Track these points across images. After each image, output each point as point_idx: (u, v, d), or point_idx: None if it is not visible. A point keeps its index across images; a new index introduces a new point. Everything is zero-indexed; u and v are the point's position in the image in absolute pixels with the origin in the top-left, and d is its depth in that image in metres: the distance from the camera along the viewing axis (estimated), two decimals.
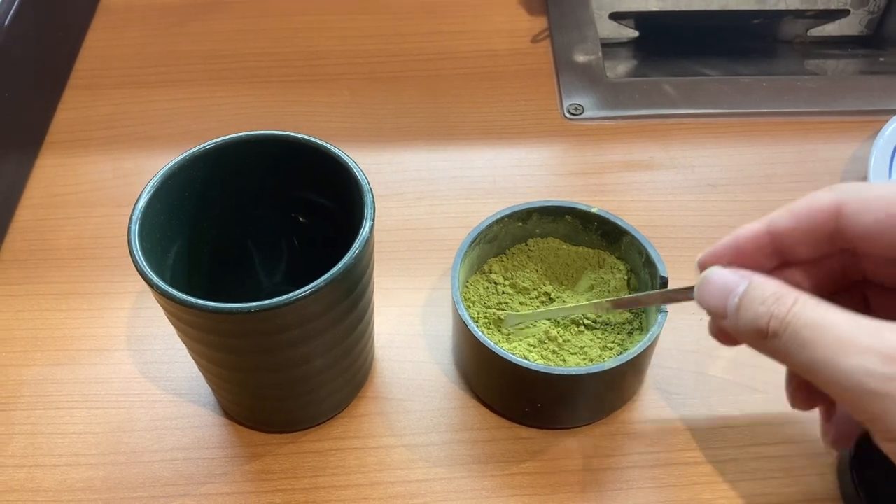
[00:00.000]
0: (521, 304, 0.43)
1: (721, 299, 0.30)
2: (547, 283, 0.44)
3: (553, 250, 0.45)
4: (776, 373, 0.43)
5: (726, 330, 0.31)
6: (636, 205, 0.51)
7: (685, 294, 0.34)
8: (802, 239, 0.31)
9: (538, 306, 0.43)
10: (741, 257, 0.32)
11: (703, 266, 0.32)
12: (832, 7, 0.67)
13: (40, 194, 0.52)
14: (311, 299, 0.32)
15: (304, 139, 0.38)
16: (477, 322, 0.42)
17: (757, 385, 0.43)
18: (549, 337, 0.41)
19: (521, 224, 0.44)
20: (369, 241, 0.34)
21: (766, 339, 0.28)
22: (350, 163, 0.37)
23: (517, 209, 0.43)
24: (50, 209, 0.52)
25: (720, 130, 0.56)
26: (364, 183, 0.36)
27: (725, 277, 0.30)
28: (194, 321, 0.33)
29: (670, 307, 0.39)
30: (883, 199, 0.29)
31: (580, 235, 0.45)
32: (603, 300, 0.39)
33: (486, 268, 0.44)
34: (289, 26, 0.64)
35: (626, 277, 0.43)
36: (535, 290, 0.44)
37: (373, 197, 0.35)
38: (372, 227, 0.34)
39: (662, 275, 0.40)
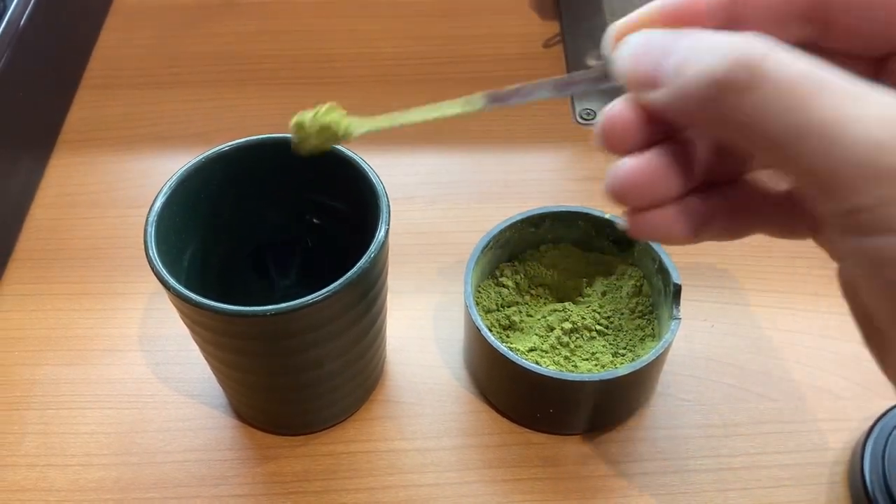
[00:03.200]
0: (531, 310, 0.43)
1: (651, 61, 0.22)
2: (559, 288, 0.44)
3: (565, 256, 0.45)
4: (787, 381, 0.43)
5: (652, 107, 0.23)
6: None
7: (590, 74, 0.25)
8: (769, 3, 0.23)
9: (549, 312, 0.43)
10: (675, 23, 0.23)
11: (617, 35, 0.24)
12: None
13: (54, 194, 0.53)
14: (326, 303, 0.32)
15: None
16: (490, 328, 0.42)
17: (767, 392, 0.43)
18: (560, 343, 0.41)
19: (533, 229, 0.44)
20: (384, 246, 0.35)
21: (725, 96, 0.20)
22: (365, 167, 0.37)
23: (530, 214, 0.43)
24: (63, 209, 0.52)
25: None
26: (379, 187, 0.36)
27: (655, 36, 0.22)
28: (209, 323, 0.33)
29: (683, 314, 0.39)
30: None
31: (593, 241, 0.45)
32: (477, 94, 0.29)
33: (497, 273, 0.44)
34: (301, 28, 0.64)
35: (638, 284, 0.43)
36: (546, 296, 0.44)
37: (388, 201, 0.36)
38: (387, 231, 0.35)
39: (676, 281, 0.40)
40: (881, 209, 0.19)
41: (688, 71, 0.21)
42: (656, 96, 0.22)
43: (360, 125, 0.33)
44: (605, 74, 0.24)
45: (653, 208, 0.24)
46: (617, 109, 0.23)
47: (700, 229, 0.25)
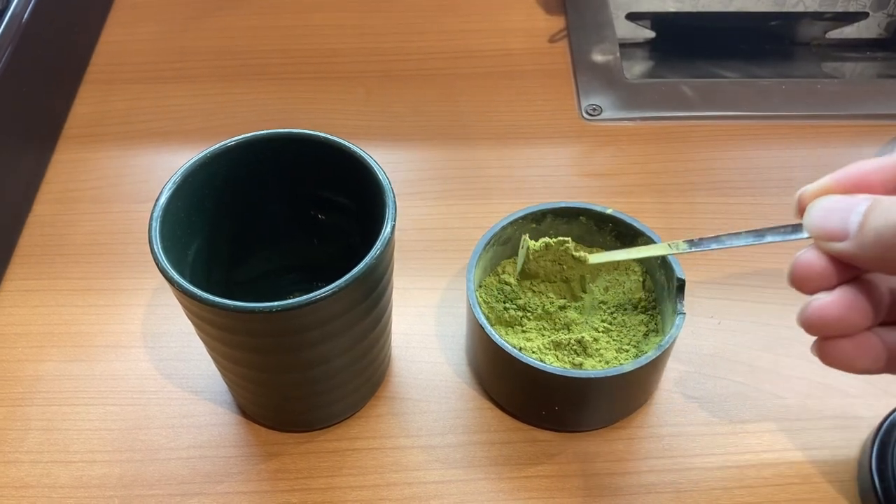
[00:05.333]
0: (534, 306, 0.43)
1: (839, 219, 0.27)
2: (561, 284, 0.44)
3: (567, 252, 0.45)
4: (794, 379, 0.43)
5: (838, 256, 0.27)
6: (654, 207, 0.51)
7: (786, 230, 0.31)
8: None
9: (552, 308, 0.42)
10: (860, 183, 0.28)
11: (804, 200, 0.29)
12: (851, 9, 0.66)
13: (57, 189, 0.52)
14: (331, 299, 0.32)
15: (325, 138, 0.38)
16: (493, 325, 0.41)
17: (775, 390, 0.42)
18: (564, 339, 0.40)
19: (535, 225, 0.44)
20: (390, 242, 0.34)
21: (892, 252, 0.25)
22: (371, 162, 0.37)
23: (531, 211, 0.43)
24: (66, 204, 0.52)
25: (739, 133, 0.55)
26: (385, 183, 0.36)
27: (842, 199, 0.27)
28: (214, 320, 0.33)
29: (687, 310, 0.39)
30: None
31: (594, 237, 0.44)
32: (680, 241, 0.36)
33: (499, 269, 0.44)
34: (305, 23, 0.64)
35: (641, 279, 0.43)
36: (548, 292, 0.43)
37: (394, 197, 0.35)
38: (393, 227, 0.34)
39: (679, 276, 0.40)
40: None
41: (872, 225, 0.26)
42: (843, 247, 0.27)
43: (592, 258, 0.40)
44: (796, 228, 0.30)
45: (841, 338, 0.28)
46: (806, 258, 0.28)
47: (888, 360, 0.28)
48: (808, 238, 0.29)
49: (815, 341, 0.29)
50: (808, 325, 0.28)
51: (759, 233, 0.32)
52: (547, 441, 0.41)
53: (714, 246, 0.35)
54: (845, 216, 0.27)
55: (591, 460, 0.40)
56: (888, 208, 0.25)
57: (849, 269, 0.28)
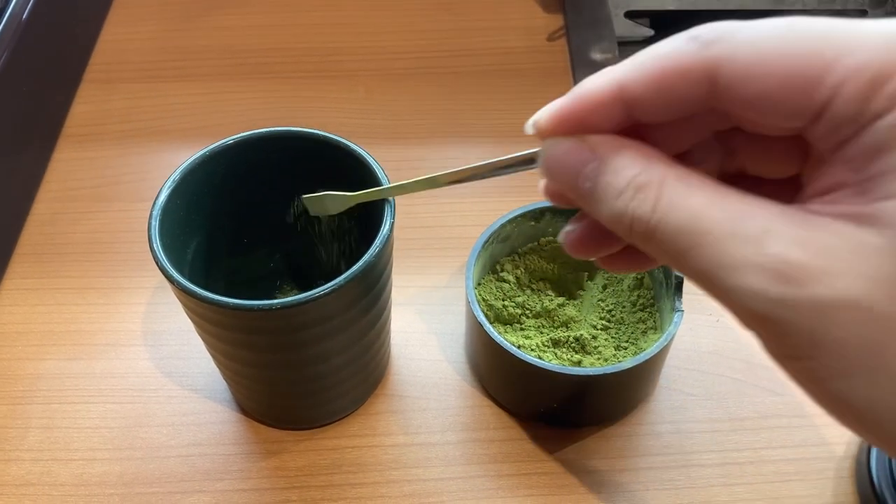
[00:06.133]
0: (533, 304, 0.43)
1: (572, 178, 0.24)
2: (559, 282, 0.44)
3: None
4: None
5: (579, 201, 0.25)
6: None
7: (525, 163, 0.28)
8: (661, 106, 0.23)
9: (551, 306, 0.42)
10: (586, 120, 0.24)
11: (540, 130, 0.25)
12: (849, 7, 0.66)
13: (56, 188, 0.53)
14: (331, 297, 0.32)
15: (324, 136, 0.38)
16: (493, 323, 0.42)
17: (773, 387, 0.43)
18: (563, 337, 0.41)
19: (533, 223, 0.44)
20: (389, 240, 0.34)
21: (635, 241, 0.23)
22: (371, 160, 0.37)
23: (529, 208, 0.43)
24: (66, 203, 0.52)
25: None
26: (385, 181, 0.36)
27: (571, 152, 0.24)
28: (214, 318, 0.33)
29: (686, 307, 0.39)
30: (767, 62, 0.21)
31: None
32: (438, 174, 0.33)
33: (498, 268, 0.44)
34: (305, 22, 0.64)
35: (639, 277, 0.43)
36: (547, 290, 0.44)
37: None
38: (392, 225, 0.34)
39: (678, 273, 0.40)
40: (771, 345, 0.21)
41: (602, 211, 0.23)
42: (578, 202, 0.24)
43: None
44: (533, 160, 0.27)
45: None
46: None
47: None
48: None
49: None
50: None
51: (499, 166, 0.31)
52: (546, 438, 0.41)
53: (474, 180, 0.33)
54: (575, 176, 0.24)
55: (590, 457, 0.40)
56: (610, 190, 0.23)
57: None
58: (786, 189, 0.24)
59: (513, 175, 0.55)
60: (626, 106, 0.23)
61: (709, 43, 0.22)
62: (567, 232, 0.27)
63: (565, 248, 0.27)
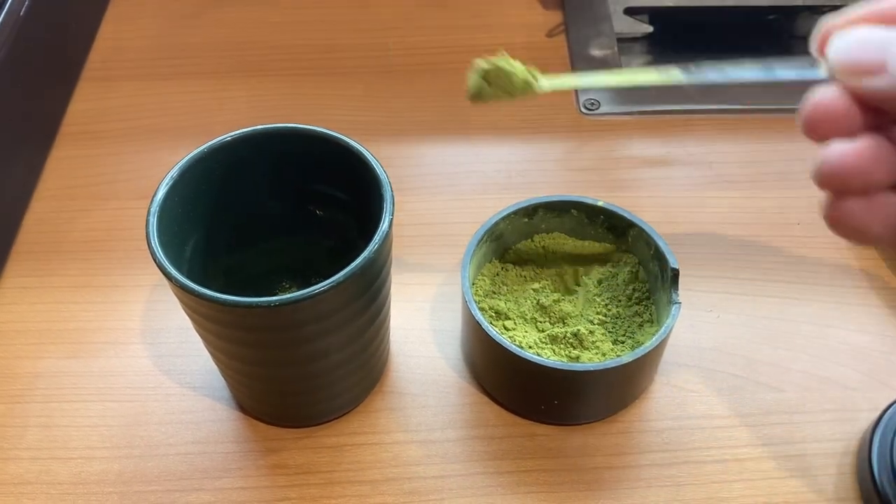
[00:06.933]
0: (528, 300, 0.43)
1: (876, 50, 0.22)
2: (555, 278, 0.44)
3: (559, 245, 0.45)
4: (794, 371, 0.43)
5: (872, 95, 0.23)
6: (652, 201, 0.51)
7: (801, 65, 0.26)
8: None
9: (546, 302, 0.42)
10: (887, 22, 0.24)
11: (829, 31, 0.25)
12: (849, 3, 0.66)
13: (54, 186, 0.52)
14: (330, 294, 0.32)
15: (323, 133, 0.38)
16: (489, 320, 0.41)
17: (774, 383, 0.42)
18: (559, 332, 0.40)
19: (526, 220, 0.44)
20: (388, 237, 0.34)
21: None
22: (370, 157, 0.37)
23: (522, 205, 0.43)
24: (64, 201, 0.51)
25: (737, 126, 0.55)
26: (383, 178, 0.36)
27: (876, 30, 0.23)
28: (212, 315, 0.33)
29: (683, 299, 0.39)
30: None
31: (586, 230, 0.44)
32: (674, 68, 0.30)
33: (493, 264, 0.44)
34: (303, 19, 0.64)
35: (634, 270, 0.43)
36: (542, 286, 0.43)
37: (392, 192, 0.35)
38: (391, 222, 0.34)
39: (673, 266, 0.40)
40: None
41: None
42: (880, 84, 0.22)
43: (546, 81, 0.34)
44: (814, 64, 0.25)
45: (856, 197, 0.24)
46: (828, 97, 0.24)
47: None
48: (823, 81, 0.25)
49: (825, 202, 0.24)
50: (825, 176, 0.24)
51: (768, 65, 0.28)
52: (545, 435, 0.41)
53: (713, 76, 0.29)
54: (885, 47, 0.22)
55: (589, 454, 0.40)
56: None
57: (874, 115, 0.24)
58: None
59: (511, 171, 0.55)
60: None
61: None
62: (819, 99, 0.24)
63: (804, 122, 0.24)
